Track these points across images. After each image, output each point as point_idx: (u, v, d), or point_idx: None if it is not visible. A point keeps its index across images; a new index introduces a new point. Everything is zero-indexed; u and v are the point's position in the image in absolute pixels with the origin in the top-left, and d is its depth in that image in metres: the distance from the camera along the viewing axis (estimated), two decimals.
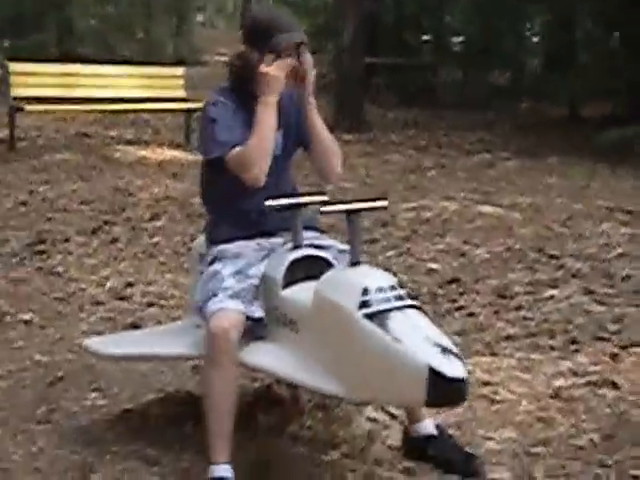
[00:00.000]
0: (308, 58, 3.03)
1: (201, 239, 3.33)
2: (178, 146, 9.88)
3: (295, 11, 21.29)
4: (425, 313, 2.76)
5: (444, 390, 2.49)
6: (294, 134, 3.17)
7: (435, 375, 2.47)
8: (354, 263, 2.81)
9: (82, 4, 19.37)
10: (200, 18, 42.45)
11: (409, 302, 2.70)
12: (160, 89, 10.42)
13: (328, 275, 2.85)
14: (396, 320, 2.60)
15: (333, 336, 2.72)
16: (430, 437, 3.11)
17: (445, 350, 2.55)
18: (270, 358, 2.91)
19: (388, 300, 2.64)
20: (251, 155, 2.93)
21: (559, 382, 3.79)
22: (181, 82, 10.44)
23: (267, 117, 2.96)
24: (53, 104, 10.04)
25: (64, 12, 17.90)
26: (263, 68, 2.96)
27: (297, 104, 3.14)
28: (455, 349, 2.60)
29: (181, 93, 10.37)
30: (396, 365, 2.53)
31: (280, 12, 3.14)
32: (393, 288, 2.69)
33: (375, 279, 2.72)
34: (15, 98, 9.41)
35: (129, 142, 10.14)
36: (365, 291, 2.65)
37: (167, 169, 8.49)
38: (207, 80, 14.41)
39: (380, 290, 2.66)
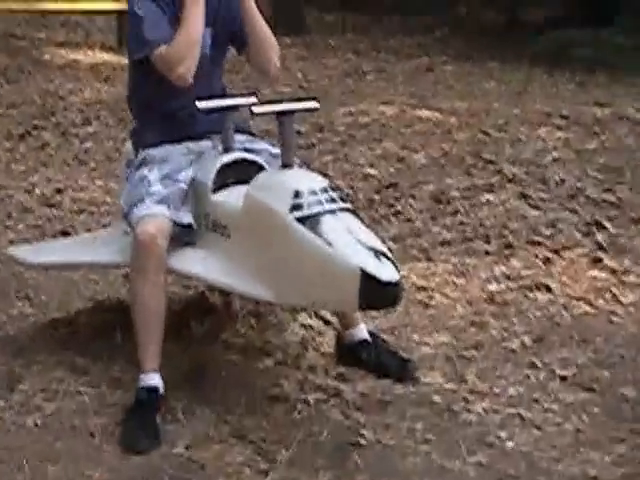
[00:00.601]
0: None
1: (130, 145, 3.21)
2: (110, 49, 9.56)
3: None
4: (358, 216, 2.71)
5: (377, 293, 2.46)
6: (226, 33, 3.04)
7: (367, 278, 2.43)
8: (286, 165, 2.74)
9: None
10: None
11: (342, 205, 2.64)
12: None
13: (259, 178, 2.78)
14: (328, 223, 2.55)
15: (264, 240, 2.66)
16: (364, 342, 3.10)
17: (378, 253, 2.51)
18: (200, 264, 2.85)
19: (320, 203, 2.58)
20: (177, 52, 2.81)
21: (493, 286, 3.82)
22: None
23: (194, 12, 2.83)
24: None
25: None
26: None
27: (227, 1, 3.01)
28: (388, 252, 2.56)
29: None
30: (328, 268, 2.49)
31: None
32: (325, 190, 2.63)
33: (307, 182, 2.66)
34: None
35: (59, 44, 9.78)
36: (297, 194, 2.58)
37: (99, 73, 8.23)
38: None
39: (312, 193, 2.60)
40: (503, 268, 3.99)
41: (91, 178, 5.21)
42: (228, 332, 3.28)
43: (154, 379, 2.82)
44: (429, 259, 4.13)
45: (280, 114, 2.69)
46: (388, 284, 2.45)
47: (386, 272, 2.46)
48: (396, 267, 2.52)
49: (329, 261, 2.48)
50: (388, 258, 2.52)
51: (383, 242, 3.86)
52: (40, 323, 3.42)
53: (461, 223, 4.56)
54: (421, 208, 4.79)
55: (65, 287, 3.73)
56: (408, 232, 4.46)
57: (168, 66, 2.82)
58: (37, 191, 4.93)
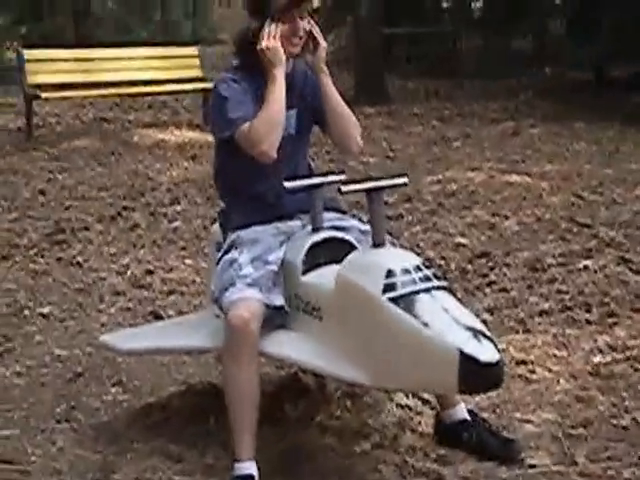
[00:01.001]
0: (312, 23, 2.88)
1: (217, 227, 3.19)
2: (197, 127, 9.73)
3: None
4: (454, 293, 2.62)
5: (477, 375, 2.35)
6: (309, 112, 3.02)
7: (467, 360, 2.33)
8: (377, 244, 2.66)
9: None
10: None
11: (436, 283, 2.55)
12: (177, 70, 10.26)
13: (350, 258, 2.71)
14: (423, 303, 2.46)
15: (358, 321, 2.58)
16: (464, 422, 2.98)
17: (476, 333, 2.41)
18: (293, 347, 2.78)
19: (414, 282, 2.50)
20: (259, 129, 2.79)
21: (597, 358, 3.65)
22: (197, 62, 10.27)
23: (274, 90, 2.82)
24: (69, 90, 9.92)
25: None
26: (259, 44, 2.82)
27: (313, 82, 3.00)
28: (487, 331, 2.45)
29: (198, 73, 10.21)
30: (425, 351, 2.39)
31: None
32: (419, 269, 2.55)
33: (399, 260, 2.58)
34: (31, 86, 9.28)
35: (147, 125, 10.01)
36: (389, 273, 2.50)
37: (186, 151, 8.36)
38: (225, 59, 14.27)
39: (405, 272, 2.52)
40: (607, 338, 3.82)
41: (180, 258, 5.22)
42: (323, 414, 3.18)
43: (250, 468, 2.74)
44: (527, 330, 3.98)
45: (369, 191, 2.63)
46: (488, 365, 2.34)
47: (486, 353, 2.35)
48: (496, 346, 2.41)
49: (426, 343, 2.39)
50: (487, 337, 2.42)
51: (479, 318, 3.76)
52: (133, 409, 3.39)
53: (559, 291, 4.41)
54: (516, 277, 4.65)
55: (157, 371, 3.70)
56: (504, 303, 4.32)
57: (251, 143, 2.80)
58: (128, 273, 4.96)
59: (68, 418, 3.31)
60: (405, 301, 2.47)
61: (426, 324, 2.41)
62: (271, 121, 2.81)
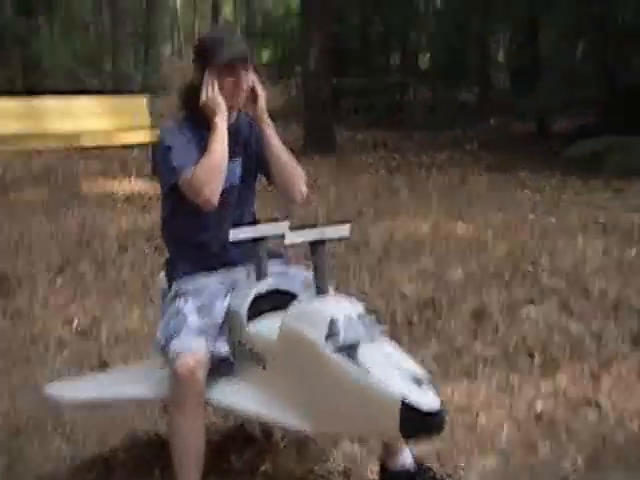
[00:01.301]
0: (252, 76, 2.94)
1: (163, 275, 3.21)
2: (146, 177, 9.75)
3: (263, 38, 21.39)
4: (396, 340, 2.65)
5: (419, 423, 2.38)
6: (254, 162, 3.06)
7: (409, 408, 2.36)
8: (320, 292, 2.70)
9: (47, 39, 19.30)
10: (168, 49, 42.54)
11: (378, 329, 2.59)
12: (125, 119, 10.31)
13: (294, 307, 2.74)
14: (365, 351, 2.49)
15: (301, 370, 2.61)
16: (409, 470, 2.99)
17: (418, 381, 2.44)
18: (237, 396, 2.79)
19: (356, 330, 2.53)
20: (201, 176, 2.82)
21: (540, 406, 3.70)
22: (146, 111, 10.33)
23: (216, 138, 2.86)
24: (18, 141, 9.89)
25: (29, 47, 17.77)
26: (200, 95, 2.87)
27: (257, 132, 3.05)
28: (429, 379, 2.49)
29: (146, 122, 10.26)
30: (368, 398, 2.42)
31: (225, 30, 3.03)
32: (361, 316, 2.58)
33: (342, 308, 2.61)
34: None
35: (96, 175, 10.00)
36: (332, 322, 2.54)
37: (135, 201, 8.36)
38: (174, 109, 14.32)
39: (348, 320, 2.55)
40: (549, 385, 3.88)
41: (128, 307, 5.21)
42: (269, 463, 3.19)
43: None
44: (472, 378, 4.03)
45: (312, 244, 2.68)
46: (430, 414, 2.37)
47: (428, 401, 2.39)
48: (438, 394, 2.44)
49: (368, 390, 2.42)
50: (429, 385, 2.45)
51: (425, 366, 3.81)
52: (77, 462, 3.35)
53: (503, 339, 4.47)
54: (461, 325, 4.72)
55: (102, 423, 3.66)
56: (449, 351, 4.37)
57: (193, 191, 2.84)
58: (74, 323, 4.92)
59: (9, 474, 3.26)
60: (347, 349, 2.49)
61: (368, 372, 2.44)
62: (213, 168, 2.84)
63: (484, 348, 4.37)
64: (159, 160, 2.96)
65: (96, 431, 3.58)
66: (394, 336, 4.54)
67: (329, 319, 2.55)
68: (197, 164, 2.84)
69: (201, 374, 2.74)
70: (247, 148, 3.04)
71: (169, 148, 2.89)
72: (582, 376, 3.96)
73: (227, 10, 46.07)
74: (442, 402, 2.44)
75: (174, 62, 33.03)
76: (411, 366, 2.51)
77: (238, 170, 3.02)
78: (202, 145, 2.90)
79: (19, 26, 17.50)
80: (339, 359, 2.48)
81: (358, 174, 10.05)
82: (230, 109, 2.94)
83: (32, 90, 15.24)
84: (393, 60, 18.88)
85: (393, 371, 2.45)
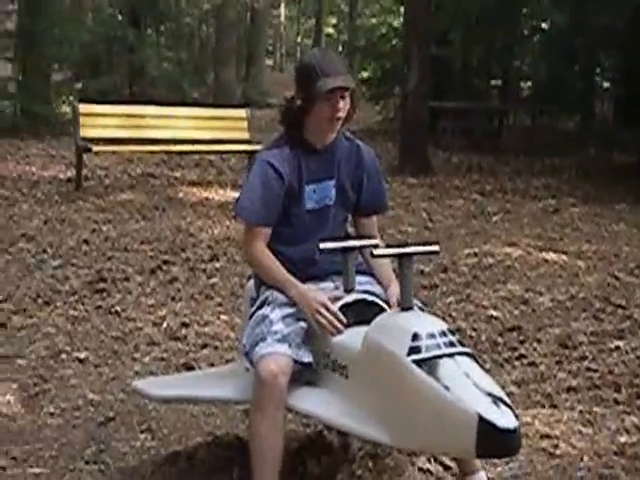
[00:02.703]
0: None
1: (252, 283, 3.29)
2: (240, 187, 9.89)
3: (364, 56, 21.52)
4: (477, 360, 2.66)
5: (495, 441, 2.39)
6: (350, 185, 3.13)
7: (485, 425, 2.37)
8: (405, 308, 2.74)
9: (154, 48, 19.82)
10: (269, 62, 43.15)
11: (460, 349, 2.61)
12: (224, 131, 10.50)
13: (378, 320, 2.78)
14: (446, 367, 2.52)
15: (382, 382, 2.65)
16: None
17: (496, 399, 2.45)
18: (318, 404, 2.84)
19: (438, 346, 2.57)
20: (255, 263, 3.05)
21: (624, 438, 3.64)
22: (245, 124, 10.51)
23: (285, 285, 2.98)
24: (119, 145, 10.19)
25: (136, 55, 18.29)
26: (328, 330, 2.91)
27: (354, 156, 3.11)
28: (507, 398, 2.49)
29: (244, 135, 10.43)
30: (445, 414, 2.44)
31: (330, 55, 3.04)
32: (444, 334, 2.61)
33: (426, 325, 2.65)
34: (83, 139, 9.56)
35: (193, 183, 10.23)
36: (415, 336, 2.58)
37: (228, 210, 8.50)
38: (274, 122, 14.53)
39: (430, 336, 2.59)
40: (634, 419, 3.82)
41: (216, 313, 5.32)
42: (344, 473, 3.22)
43: None
44: (554, 406, 3.99)
45: (400, 256, 2.72)
46: (506, 431, 2.38)
47: (504, 419, 2.39)
48: (515, 414, 2.45)
49: (446, 406, 2.44)
50: (506, 404, 2.46)
51: (506, 390, 3.79)
52: (160, 456, 3.45)
53: (588, 369, 4.42)
54: (546, 352, 4.67)
55: (186, 421, 3.77)
56: (532, 377, 4.34)
57: (243, 244, 3.10)
58: (164, 324, 5.06)
59: (96, 460, 3.39)
60: (428, 364, 2.53)
61: (447, 387, 2.46)
62: (262, 271, 3.02)
63: (568, 377, 4.32)
64: (245, 186, 3.06)
65: (180, 429, 3.69)
66: (478, 358, 4.57)
67: (412, 333, 2.59)
68: (268, 262, 3.00)
69: (283, 379, 2.80)
70: (342, 169, 3.10)
71: (254, 188, 2.99)
72: None
73: (330, 26, 46.45)
74: (518, 421, 2.44)
75: (275, 76, 33.48)
76: (489, 384, 2.52)
77: (332, 191, 3.08)
78: (294, 164, 2.99)
79: (129, 36, 18.04)
80: (419, 374, 2.51)
81: (451, 197, 10.02)
82: (328, 132, 3.02)
83: (136, 98, 15.71)
84: (494, 85, 18.75)
85: (471, 388, 2.47)
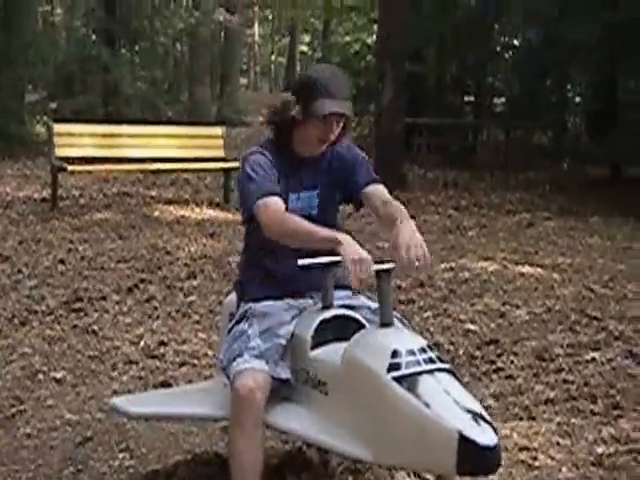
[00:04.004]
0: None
1: (232, 297, 3.29)
2: (217, 205, 9.92)
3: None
4: (457, 376, 2.67)
5: (475, 457, 2.39)
6: (333, 192, 3.11)
7: (466, 442, 2.37)
8: (384, 324, 2.74)
9: (128, 67, 19.80)
10: (244, 81, 43.23)
11: (440, 365, 2.62)
12: (200, 149, 10.50)
13: (358, 336, 2.79)
14: (426, 384, 2.52)
15: (362, 399, 2.65)
16: None
17: (476, 416, 2.45)
18: (297, 420, 2.84)
19: (418, 363, 2.57)
20: (280, 229, 2.86)
21: (601, 449, 3.67)
22: (220, 142, 10.51)
23: (318, 239, 2.81)
24: (94, 164, 10.16)
25: (110, 74, 18.26)
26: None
27: (339, 161, 3.10)
28: (486, 415, 2.50)
29: (220, 152, 10.44)
30: (425, 431, 2.45)
31: (337, 75, 2.98)
32: (423, 351, 2.62)
33: (405, 341, 2.65)
34: (58, 158, 9.53)
35: (169, 201, 10.21)
36: (395, 353, 2.57)
37: (205, 228, 8.51)
38: (249, 140, 14.54)
39: (410, 353, 2.58)
40: (611, 430, 3.84)
41: (194, 331, 5.31)
42: None
43: None
44: (532, 418, 4.01)
45: (378, 272, 2.72)
46: (487, 448, 2.38)
47: (485, 436, 2.39)
48: (495, 430, 2.45)
49: (426, 423, 2.44)
50: (486, 420, 2.46)
51: (485, 404, 3.80)
52: (139, 475, 3.44)
53: (565, 381, 4.44)
54: (523, 365, 4.70)
55: (165, 439, 3.76)
56: (510, 390, 4.36)
57: (264, 225, 2.89)
58: (142, 343, 5.04)
59: None
60: (408, 381, 2.52)
61: (427, 404, 2.46)
62: (290, 233, 2.85)
63: (546, 389, 4.35)
64: (241, 186, 3.01)
65: (159, 448, 3.68)
66: (456, 372, 4.58)
67: (391, 350, 2.58)
68: (293, 220, 2.85)
69: (260, 395, 2.80)
70: (326, 178, 3.09)
71: (250, 177, 2.95)
72: None
73: (304, 44, 46.64)
74: (498, 438, 2.44)
75: (250, 95, 33.52)
76: (470, 401, 2.53)
77: (315, 200, 3.07)
78: (283, 170, 2.97)
79: (103, 55, 18.01)
80: (399, 391, 2.51)
81: (427, 212, 10.07)
82: (314, 149, 3.02)
83: (111, 117, 15.69)
84: (467, 101, 18.87)
85: (452, 405, 2.47)
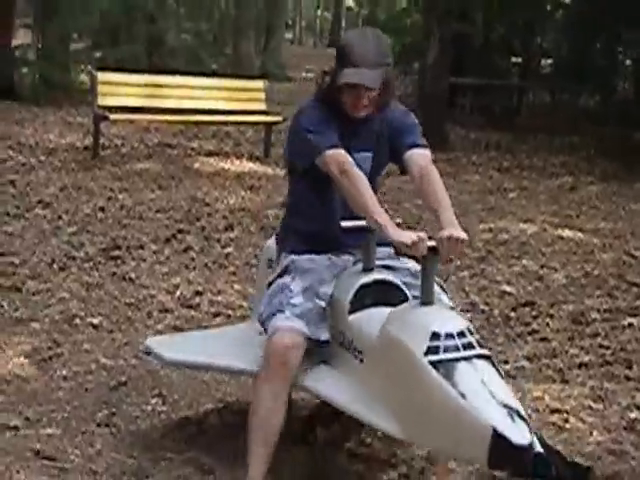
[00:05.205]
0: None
1: (271, 242, 3.26)
2: (257, 159, 9.92)
3: (384, 30, 21.37)
4: (494, 364, 2.59)
5: (507, 455, 2.34)
6: (385, 155, 3.07)
7: (499, 439, 2.33)
8: (425, 302, 2.69)
9: (173, 18, 19.76)
10: (289, 35, 42.94)
11: (479, 351, 2.55)
12: (242, 102, 10.46)
13: (398, 312, 2.74)
14: (463, 372, 2.48)
15: (397, 376, 2.61)
16: None
17: (512, 411, 2.40)
18: (332, 387, 2.83)
19: (457, 348, 2.51)
20: (348, 191, 2.81)
21: (634, 414, 3.65)
22: (262, 95, 10.47)
23: (381, 221, 2.72)
24: (137, 114, 10.18)
25: (155, 25, 18.24)
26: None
27: (390, 125, 3.04)
28: (522, 410, 2.45)
29: (262, 106, 10.40)
30: (459, 422, 2.41)
31: (367, 41, 2.91)
32: (462, 335, 2.55)
33: (445, 323, 2.59)
34: (101, 107, 9.56)
35: (210, 153, 10.21)
36: (434, 336, 2.53)
37: (245, 181, 8.51)
38: (292, 96, 14.47)
39: (449, 336, 2.53)
40: None
41: (230, 282, 5.33)
42: (354, 441, 3.24)
43: None
44: (565, 381, 4.00)
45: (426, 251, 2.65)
46: (520, 448, 2.33)
47: (519, 434, 2.34)
48: (529, 427, 2.41)
49: (460, 414, 2.40)
50: (522, 418, 2.41)
51: (518, 364, 3.78)
52: (171, 420, 3.48)
53: (600, 346, 4.42)
54: (558, 328, 4.67)
55: (197, 387, 3.80)
56: (544, 352, 4.34)
57: (334, 173, 2.83)
58: (178, 292, 5.08)
59: (108, 423, 3.42)
60: (445, 367, 2.48)
61: (463, 395, 2.42)
62: (352, 196, 2.80)
63: (580, 353, 4.32)
64: (298, 138, 2.96)
65: (190, 395, 3.72)
66: (490, 333, 4.57)
67: (431, 332, 2.54)
68: (360, 175, 2.81)
69: (294, 355, 2.78)
70: (378, 141, 3.04)
71: (309, 129, 2.90)
72: None
73: (350, 0, 46.18)
74: (533, 436, 2.38)
75: (294, 49, 33.34)
76: (507, 395, 2.47)
77: (368, 163, 3.02)
78: (334, 126, 2.91)
79: (148, 5, 17.98)
80: (435, 376, 2.47)
81: (468, 173, 9.97)
82: (356, 114, 2.95)
83: (155, 68, 15.68)
84: (514, 62, 18.59)
85: (488, 398, 2.42)
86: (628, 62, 17.52)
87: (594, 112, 16.16)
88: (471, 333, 2.59)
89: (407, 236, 2.62)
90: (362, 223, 2.88)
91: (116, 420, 3.45)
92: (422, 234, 2.64)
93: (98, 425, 3.40)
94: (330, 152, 2.84)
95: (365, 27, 3.05)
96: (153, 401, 3.64)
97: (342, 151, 2.86)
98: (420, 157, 2.98)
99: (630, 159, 11.35)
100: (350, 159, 2.86)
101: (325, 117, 2.93)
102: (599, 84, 16.15)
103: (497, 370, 2.57)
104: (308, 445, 3.19)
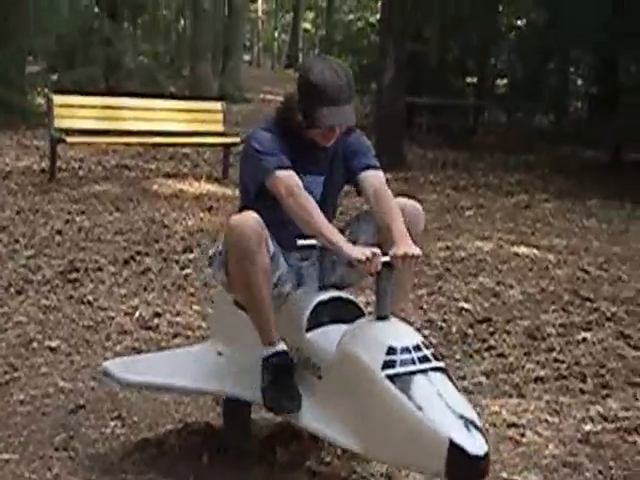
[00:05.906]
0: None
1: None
2: (215, 180, 9.92)
3: (341, 51, 21.54)
4: (450, 376, 2.65)
5: (464, 466, 2.40)
6: (338, 178, 3.13)
7: (456, 450, 2.38)
8: (381, 317, 2.73)
9: (130, 40, 19.75)
10: (247, 57, 43.07)
11: (434, 364, 2.60)
12: (200, 123, 10.49)
13: (354, 328, 2.77)
14: (419, 385, 2.52)
15: (355, 391, 2.65)
16: None
17: (468, 422, 2.45)
18: None
19: (413, 362, 2.56)
20: (298, 211, 2.88)
21: (588, 427, 3.70)
22: (220, 117, 10.49)
23: (331, 239, 2.82)
24: (94, 136, 10.15)
25: (112, 47, 18.20)
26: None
27: (345, 150, 3.11)
28: (478, 421, 2.50)
29: (220, 128, 10.42)
30: (416, 434, 2.45)
31: (339, 76, 2.93)
32: (418, 348, 2.60)
33: (401, 338, 2.63)
34: (58, 130, 9.51)
35: (168, 175, 10.20)
36: (390, 350, 2.57)
37: (203, 202, 8.51)
38: (250, 117, 14.52)
39: (405, 350, 2.57)
40: (599, 408, 3.88)
41: (189, 303, 5.33)
42: (313, 460, 3.25)
43: (281, 346, 2.91)
44: (521, 395, 4.05)
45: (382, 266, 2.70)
46: (476, 457, 2.38)
47: (475, 444, 2.39)
48: (485, 438, 2.46)
49: (418, 427, 2.44)
50: (477, 428, 2.46)
51: (476, 380, 3.83)
52: (130, 443, 3.47)
53: (556, 360, 4.48)
54: (515, 344, 4.73)
55: (156, 408, 3.79)
56: (501, 367, 4.39)
57: (280, 194, 2.90)
58: (136, 314, 5.07)
59: (66, 447, 3.40)
60: (402, 380, 2.53)
61: (420, 407, 2.46)
62: (300, 219, 2.87)
63: (536, 367, 4.38)
64: (249, 162, 3.02)
65: (150, 417, 3.71)
66: (448, 349, 4.62)
67: (387, 347, 2.58)
68: (308, 197, 2.88)
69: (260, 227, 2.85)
70: (332, 164, 3.10)
71: (259, 150, 2.96)
72: (635, 403, 3.94)
73: (307, 21, 46.45)
74: (488, 446, 2.44)
75: (252, 71, 33.41)
76: (462, 406, 2.52)
77: (319, 187, 3.08)
78: (287, 152, 2.97)
79: (105, 28, 17.94)
80: (392, 390, 2.51)
81: (425, 191, 10.06)
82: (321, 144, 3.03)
83: (112, 91, 15.63)
84: (470, 82, 18.83)
85: (444, 410, 2.46)
86: (579, 82, 17.83)
87: (548, 131, 16.41)
88: (426, 347, 2.64)
89: (361, 252, 2.67)
90: (318, 242, 2.92)
91: (74, 444, 3.42)
92: (376, 250, 2.69)
93: (56, 449, 3.38)
94: (278, 173, 2.90)
95: (324, 57, 3.07)
96: (112, 424, 3.62)
97: (291, 173, 2.91)
98: (374, 178, 3.07)
99: (583, 177, 11.54)
100: (299, 181, 2.91)
101: (277, 139, 2.99)
102: (552, 104, 16.42)
103: (452, 382, 2.62)
104: (268, 465, 3.19)
